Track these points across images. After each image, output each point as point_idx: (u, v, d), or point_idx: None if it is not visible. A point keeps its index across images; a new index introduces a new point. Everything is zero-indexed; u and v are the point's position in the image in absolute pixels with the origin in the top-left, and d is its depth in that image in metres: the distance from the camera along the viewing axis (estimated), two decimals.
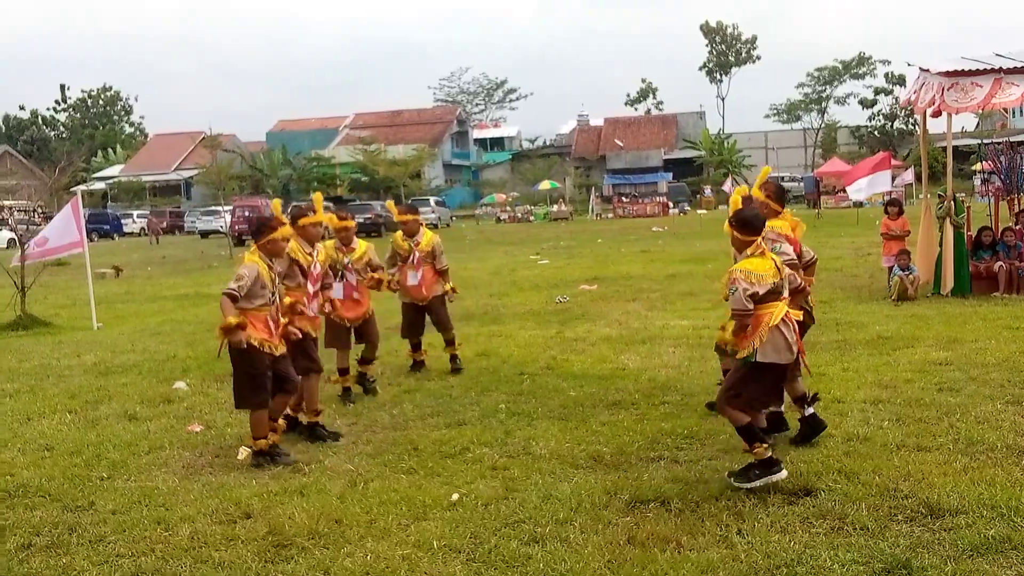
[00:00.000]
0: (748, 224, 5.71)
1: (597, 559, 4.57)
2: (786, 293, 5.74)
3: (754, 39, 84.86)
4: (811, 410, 6.34)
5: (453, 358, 9.43)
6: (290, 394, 6.74)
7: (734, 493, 5.36)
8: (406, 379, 9.08)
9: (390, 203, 9.01)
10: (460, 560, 4.67)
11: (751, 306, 5.46)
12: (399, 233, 9.29)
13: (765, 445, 5.51)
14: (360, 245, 8.52)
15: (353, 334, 8.47)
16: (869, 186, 23.86)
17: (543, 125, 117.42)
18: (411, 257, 9.11)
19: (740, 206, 5.90)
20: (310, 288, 7.28)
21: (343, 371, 8.43)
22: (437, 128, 76.22)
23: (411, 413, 7.75)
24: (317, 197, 7.65)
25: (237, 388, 6.51)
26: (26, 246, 14.50)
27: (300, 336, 6.84)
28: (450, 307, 9.71)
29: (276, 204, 7.02)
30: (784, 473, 5.45)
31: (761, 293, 5.50)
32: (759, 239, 5.67)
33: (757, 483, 5.40)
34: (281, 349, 6.53)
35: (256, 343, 6.32)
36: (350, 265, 8.32)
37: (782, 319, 5.58)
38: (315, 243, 7.47)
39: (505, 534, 4.93)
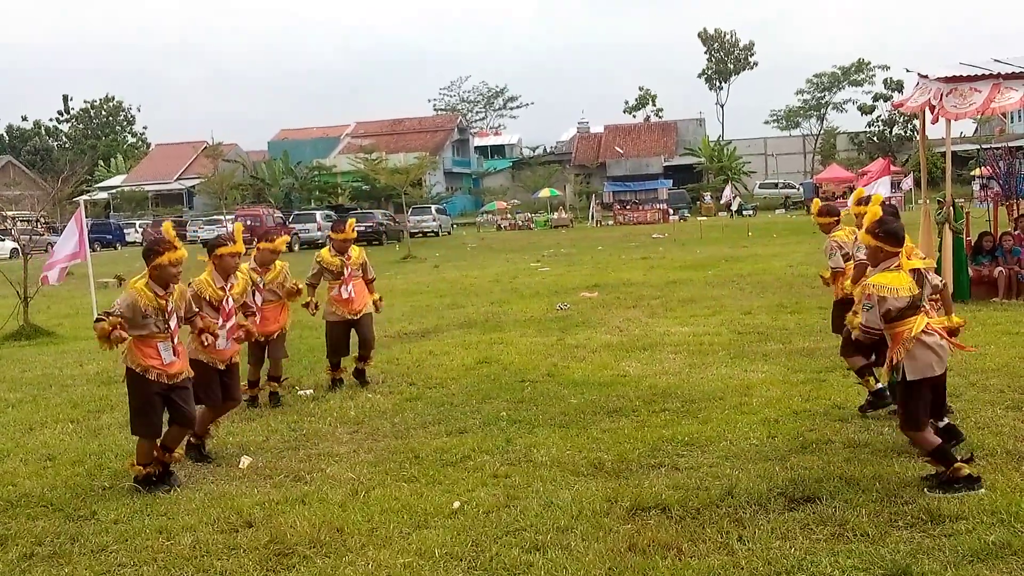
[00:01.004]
0: (894, 235, 5.48)
1: (598, 566, 4.58)
2: (925, 304, 5.57)
3: (751, 45, 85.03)
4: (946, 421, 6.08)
5: (362, 372, 9.43)
6: (185, 428, 6.40)
7: (735, 500, 5.37)
8: (407, 388, 9.10)
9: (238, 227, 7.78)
10: (461, 568, 4.67)
11: (883, 325, 5.34)
12: (326, 249, 9.35)
13: (961, 463, 5.33)
14: (276, 266, 8.59)
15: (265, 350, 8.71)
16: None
17: (543, 133, 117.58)
18: (343, 272, 9.14)
19: (881, 215, 5.61)
20: (221, 321, 6.95)
21: (253, 383, 8.74)
22: (438, 136, 76.34)
23: (412, 421, 7.76)
24: (237, 228, 7.39)
25: (130, 414, 6.36)
26: (43, 275, 14.49)
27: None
28: (451, 314, 9.74)
29: (168, 226, 6.50)
30: (983, 490, 5.24)
31: (900, 308, 5.33)
32: (901, 251, 5.48)
33: (956, 492, 5.23)
34: (181, 376, 6.26)
35: (140, 370, 6.13)
36: (262, 285, 8.34)
37: (923, 330, 5.40)
38: (230, 275, 7.16)
39: (506, 542, 4.94)
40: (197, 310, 6.70)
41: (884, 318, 5.37)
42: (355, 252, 9.33)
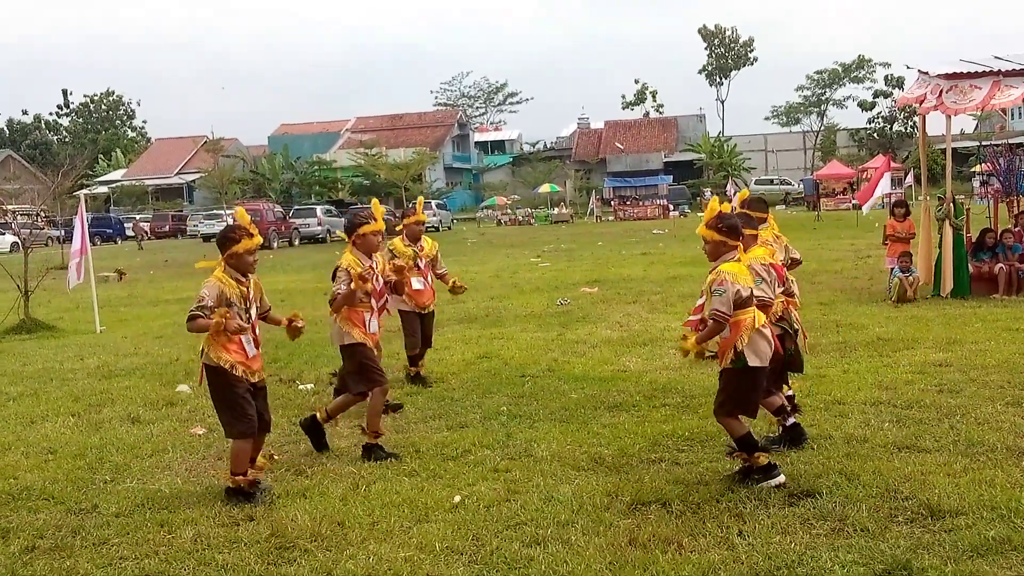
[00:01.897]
0: (735, 229, 5.72)
1: (599, 561, 4.59)
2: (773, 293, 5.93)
3: (751, 41, 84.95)
4: (793, 420, 6.36)
5: (423, 377, 9.05)
6: (265, 432, 6.08)
7: (735, 495, 5.38)
8: (407, 383, 9.10)
9: (375, 203, 7.61)
10: (462, 562, 4.68)
11: (732, 311, 5.47)
12: (399, 239, 8.87)
13: (764, 454, 5.56)
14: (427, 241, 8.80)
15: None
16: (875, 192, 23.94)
17: (544, 128, 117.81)
18: (417, 263, 8.78)
19: (719, 210, 5.83)
20: (374, 305, 6.78)
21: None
22: (438, 131, 76.29)
23: (413, 416, 7.77)
24: (375, 204, 7.20)
25: (221, 416, 5.93)
26: (69, 279, 14.50)
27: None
28: (451, 309, 9.75)
29: (242, 212, 6.16)
30: (783, 478, 5.48)
31: (744, 296, 5.52)
32: (740, 245, 5.71)
33: (757, 485, 5.45)
34: (260, 376, 5.94)
35: (227, 366, 5.73)
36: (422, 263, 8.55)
37: (762, 324, 5.61)
38: (372, 254, 6.90)
39: (507, 536, 4.95)
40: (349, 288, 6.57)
41: (735, 304, 5.47)
42: (427, 243, 8.98)
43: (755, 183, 67.07)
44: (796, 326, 6.80)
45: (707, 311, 5.55)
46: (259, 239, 5.90)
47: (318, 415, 6.90)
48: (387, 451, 6.60)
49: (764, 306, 5.89)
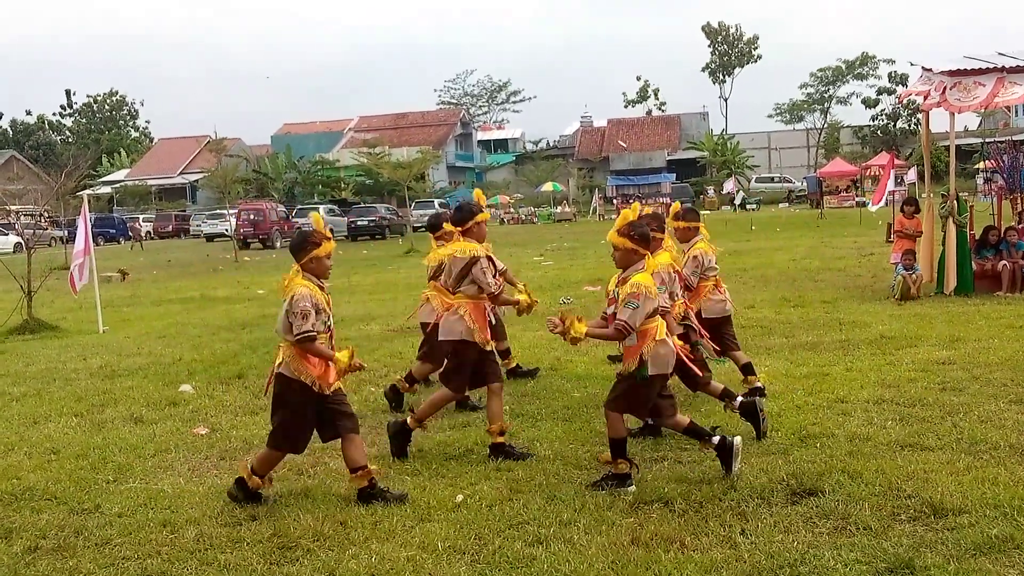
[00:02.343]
0: (645, 237, 5.73)
1: (601, 560, 4.58)
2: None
3: (755, 38, 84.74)
4: (741, 399, 6.57)
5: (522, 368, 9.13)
6: (354, 432, 5.74)
7: (737, 493, 5.37)
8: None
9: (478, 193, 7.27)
10: (464, 561, 4.68)
11: (639, 325, 5.52)
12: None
13: (628, 463, 5.63)
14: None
15: None
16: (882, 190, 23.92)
17: (546, 127, 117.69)
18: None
19: (631, 218, 5.84)
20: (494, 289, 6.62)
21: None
22: (441, 130, 76.30)
23: None
24: (477, 193, 7.08)
25: (276, 425, 5.71)
26: (74, 282, 14.47)
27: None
28: None
29: (317, 217, 5.99)
30: (633, 488, 5.53)
31: (654, 307, 5.58)
32: (648, 253, 5.77)
33: (606, 490, 5.55)
34: (336, 386, 5.68)
35: (308, 381, 5.53)
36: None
37: (665, 333, 5.67)
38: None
39: (509, 535, 4.95)
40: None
41: (645, 316, 5.54)
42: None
43: (755, 181, 67.03)
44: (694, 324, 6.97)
45: (617, 319, 5.56)
46: (333, 243, 5.75)
47: (409, 420, 6.65)
48: (517, 451, 6.37)
49: (665, 313, 5.94)
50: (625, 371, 5.69)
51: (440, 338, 6.75)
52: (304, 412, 5.63)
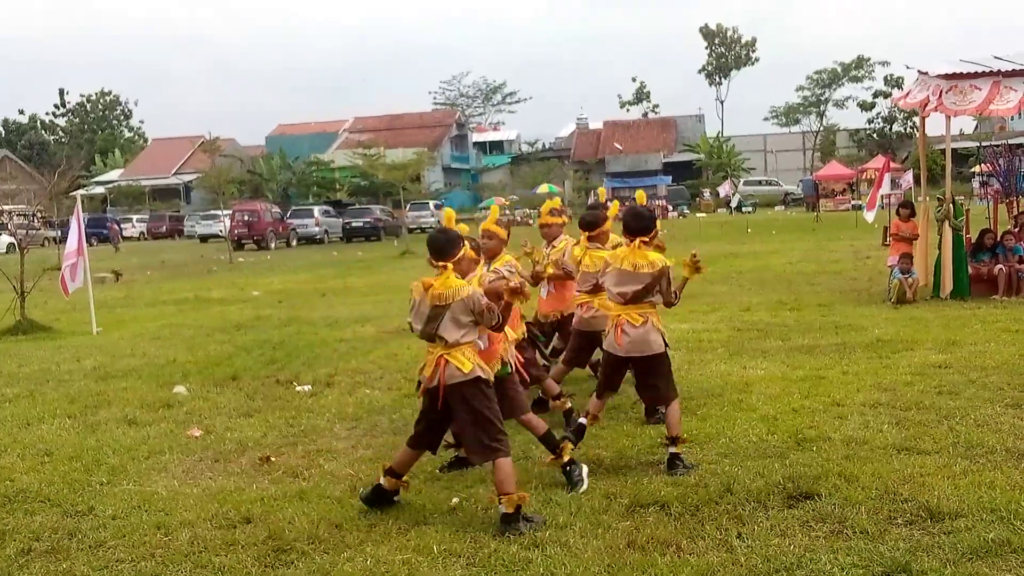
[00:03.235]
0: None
1: (596, 563, 4.57)
2: None
3: (753, 41, 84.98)
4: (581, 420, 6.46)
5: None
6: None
7: (734, 497, 5.36)
8: (406, 383, 9.07)
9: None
10: (460, 564, 4.66)
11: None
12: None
13: (568, 447, 5.83)
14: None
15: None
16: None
17: (542, 128, 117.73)
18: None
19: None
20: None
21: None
22: (436, 132, 76.26)
23: (411, 417, 7.65)
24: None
25: (484, 434, 5.18)
26: (66, 284, 14.39)
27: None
28: None
29: (450, 213, 5.79)
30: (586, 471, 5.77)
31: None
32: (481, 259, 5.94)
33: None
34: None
35: (486, 376, 5.29)
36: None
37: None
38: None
39: (505, 538, 4.92)
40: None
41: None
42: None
43: (744, 184, 67.02)
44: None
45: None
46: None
47: (585, 420, 6.40)
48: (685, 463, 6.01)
49: None
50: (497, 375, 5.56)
51: (653, 354, 6.17)
52: (496, 406, 5.33)
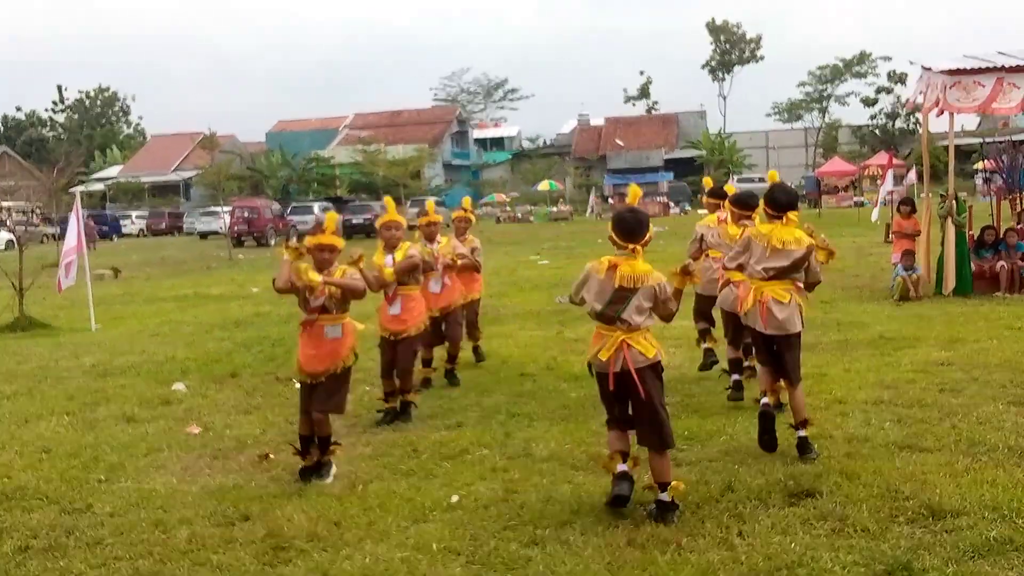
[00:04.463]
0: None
1: (597, 561, 4.55)
2: None
3: (759, 38, 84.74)
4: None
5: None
6: None
7: (735, 494, 5.33)
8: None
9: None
10: (460, 562, 4.64)
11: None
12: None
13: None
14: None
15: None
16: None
17: (543, 125, 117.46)
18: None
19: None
20: None
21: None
22: (437, 128, 76.17)
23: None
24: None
25: (664, 421, 5.16)
26: (60, 278, 14.39)
27: None
28: None
29: (636, 190, 5.54)
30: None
31: None
32: None
33: None
34: None
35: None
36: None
37: None
38: None
39: (505, 536, 4.91)
40: None
41: None
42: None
43: (737, 181, 66.78)
44: None
45: None
46: None
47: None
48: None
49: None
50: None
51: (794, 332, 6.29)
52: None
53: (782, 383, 6.33)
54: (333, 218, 6.26)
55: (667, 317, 5.23)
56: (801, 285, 6.22)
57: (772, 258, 6.07)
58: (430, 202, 9.74)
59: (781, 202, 6.17)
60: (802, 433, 5.98)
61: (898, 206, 14.75)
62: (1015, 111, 12.44)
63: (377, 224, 7.59)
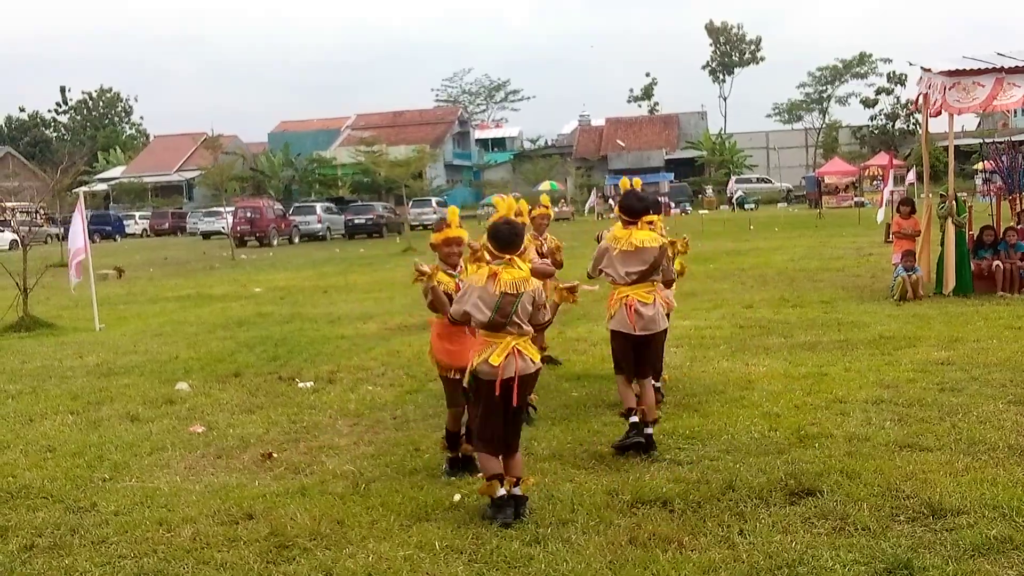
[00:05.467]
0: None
1: (599, 559, 4.57)
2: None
3: (759, 40, 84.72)
4: None
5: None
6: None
7: (736, 493, 5.35)
8: (408, 380, 9.08)
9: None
10: (462, 561, 4.66)
11: None
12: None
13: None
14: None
15: None
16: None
17: (545, 125, 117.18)
18: None
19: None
20: None
21: None
22: (439, 129, 76.18)
23: (413, 414, 7.75)
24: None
25: (518, 429, 5.48)
26: (70, 276, 14.46)
27: None
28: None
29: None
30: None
31: None
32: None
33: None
34: None
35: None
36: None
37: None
38: None
39: (507, 535, 4.93)
40: None
41: None
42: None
43: (735, 182, 66.81)
44: None
45: None
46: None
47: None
48: None
49: None
50: None
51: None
52: None
53: (636, 386, 6.52)
54: (455, 212, 6.18)
55: (538, 326, 5.37)
56: (662, 285, 6.57)
57: (630, 261, 6.35)
58: (544, 195, 9.12)
59: (635, 208, 6.51)
60: (649, 431, 6.22)
61: (898, 206, 14.77)
62: (1016, 105, 12.45)
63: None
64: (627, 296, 6.39)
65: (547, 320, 5.41)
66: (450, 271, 5.96)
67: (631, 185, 7.08)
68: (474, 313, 5.20)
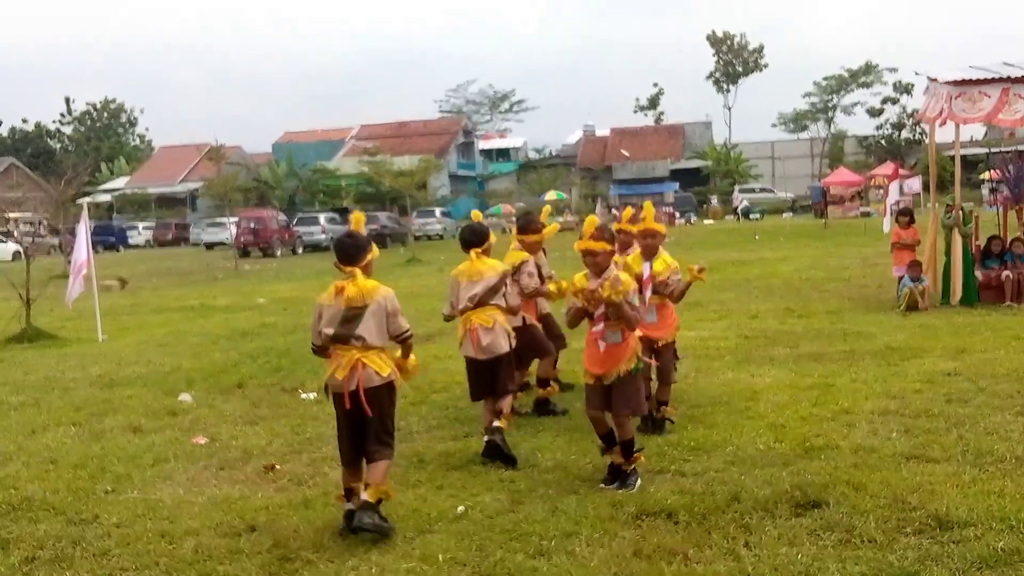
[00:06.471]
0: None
1: (603, 572, 4.53)
2: None
3: (761, 48, 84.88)
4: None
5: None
6: None
7: (741, 505, 5.32)
8: (411, 391, 9.04)
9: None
10: (466, 573, 4.64)
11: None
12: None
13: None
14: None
15: None
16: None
17: (549, 136, 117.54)
18: None
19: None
20: None
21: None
22: (443, 139, 76.36)
23: (416, 425, 7.72)
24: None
25: (392, 438, 5.47)
26: (70, 291, 14.46)
27: None
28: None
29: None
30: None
31: None
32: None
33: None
34: None
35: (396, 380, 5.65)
36: None
37: None
38: None
39: (511, 547, 4.90)
40: None
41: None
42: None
43: (738, 191, 66.86)
44: None
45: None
46: None
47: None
48: None
49: None
50: (631, 369, 5.84)
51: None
52: None
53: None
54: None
55: (396, 335, 5.37)
56: (503, 308, 6.87)
57: (469, 288, 6.75)
58: (648, 206, 7.93)
59: (468, 241, 6.97)
60: (497, 438, 6.43)
61: (896, 216, 14.75)
62: (1020, 124, 12.42)
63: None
64: (471, 320, 6.74)
65: (403, 327, 5.40)
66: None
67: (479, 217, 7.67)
68: (323, 329, 5.28)
